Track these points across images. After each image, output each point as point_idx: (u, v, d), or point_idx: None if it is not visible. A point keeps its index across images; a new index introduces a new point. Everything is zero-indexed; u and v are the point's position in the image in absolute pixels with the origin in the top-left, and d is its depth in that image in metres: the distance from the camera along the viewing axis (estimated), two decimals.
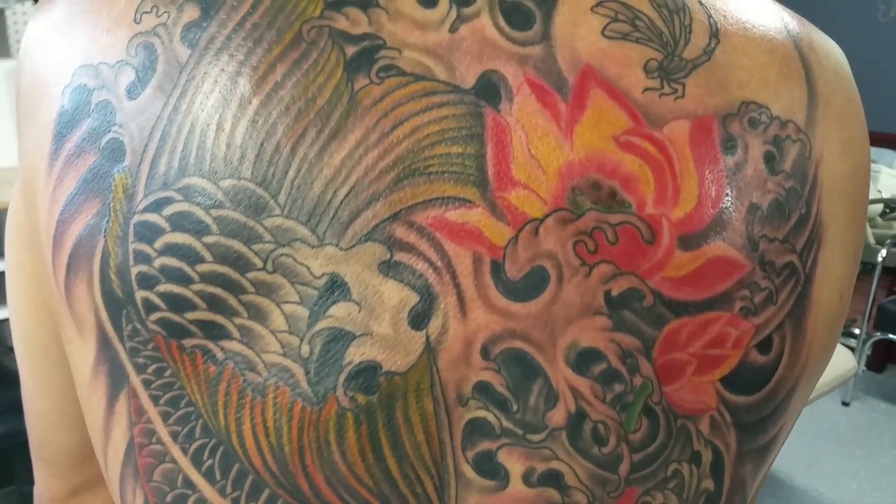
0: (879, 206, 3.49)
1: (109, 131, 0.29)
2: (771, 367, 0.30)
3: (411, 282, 0.27)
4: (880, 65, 3.00)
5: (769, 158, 0.29)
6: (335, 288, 0.27)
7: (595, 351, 0.28)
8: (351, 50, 0.27)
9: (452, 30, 0.28)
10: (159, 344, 0.29)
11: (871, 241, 3.17)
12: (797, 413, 0.34)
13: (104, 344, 0.30)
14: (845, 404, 2.87)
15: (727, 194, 0.28)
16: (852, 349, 2.85)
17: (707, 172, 0.28)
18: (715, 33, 0.29)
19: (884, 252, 2.88)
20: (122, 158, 0.28)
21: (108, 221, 0.28)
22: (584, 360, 0.28)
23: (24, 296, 0.36)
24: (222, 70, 0.27)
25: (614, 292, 0.28)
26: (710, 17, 0.30)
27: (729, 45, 0.29)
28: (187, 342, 0.28)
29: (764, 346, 0.30)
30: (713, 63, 0.29)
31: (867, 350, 2.96)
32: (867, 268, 2.96)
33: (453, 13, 0.28)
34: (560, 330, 0.28)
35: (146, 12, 0.29)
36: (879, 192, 3.54)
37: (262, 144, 0.27)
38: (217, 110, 0.27)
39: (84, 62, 0.30)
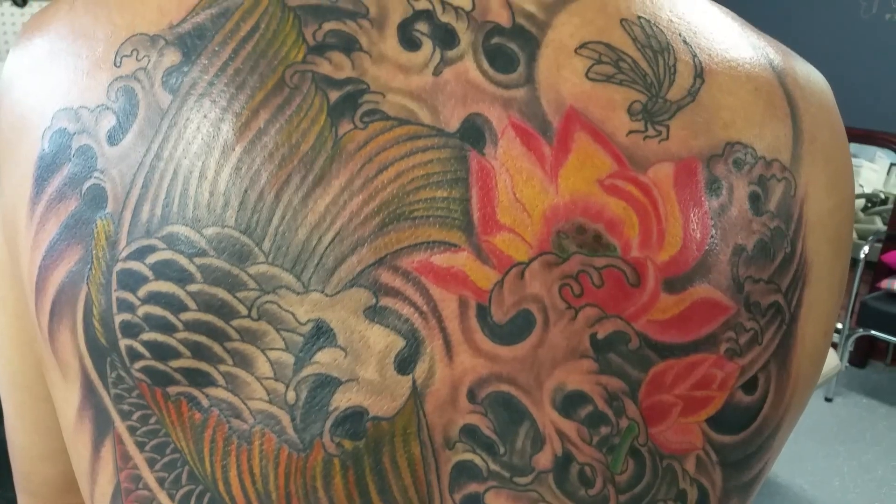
0: (861, 202, 3.52)
1: (91, 177, 0.28)
2: (756, 407, 0.30)
3: (397, 326, 0.27)
4: (862, 62, 3.02)
5: (754, 199, 0.29)
6: (321, 334, 0.27)
7: (581, 394, 0.28)
8: (334, 95, 0.27)
9: (436, 73, 0.28)
10: (144, 391, 0.28)
11: (854, 236, 3.20)
12: (782, 446, 0.34)
13: (89, 390, 0.29)
14: (828, 400, 2.90)
15: (712, 237, 0.28)
16: (835, 345, 2.88)
17: (692, 215, 0.28)
18: (699, 73, 0.29)
19: (866, 248, 2.91)
20: (103, 205, 0.28)
21: (90, 269, 0.28)
22: (570, 403, 0.28)
23: (6, 333, 0.36)
24: (205, 116, 0.27)
25: (600, 335, 0.28)
26: (694, 56, 0.30)
27: (714, 85, 0.30)
28: (172, 390, 0.28)
29: (749, 386, 0.30)
30: (698, 104, 0.29)
31: (850, 346, 2.99)
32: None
33: (437, 56, 0.28)
34: (546, 373, 0.28)
35: (126, 56, 0.29)
36: (861, 186, 3.58)
37: (245, 191, 0.27)
38: (200, 157, 0.27)
39: (64, 105, 0.29)
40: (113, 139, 0.28)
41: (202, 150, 0.27)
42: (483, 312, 0.27)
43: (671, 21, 0.30)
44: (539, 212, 0.27)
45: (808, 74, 0.33)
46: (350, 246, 0.27)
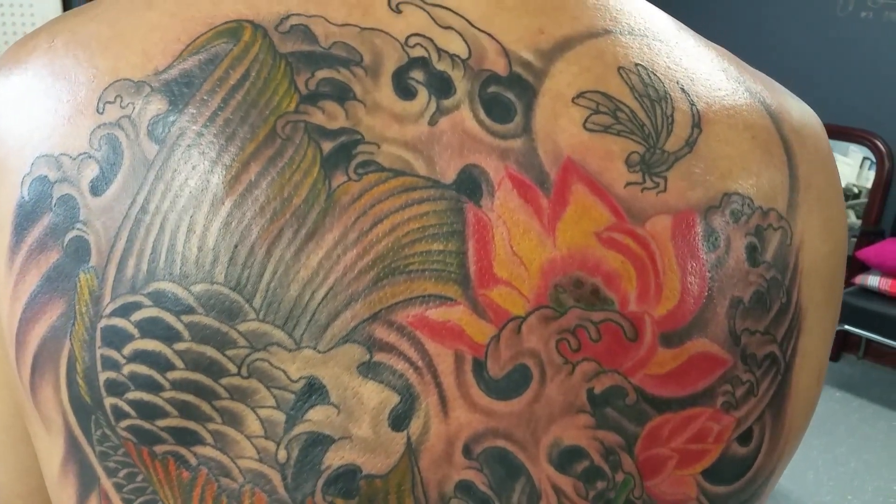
0: None
1: (73, 228, 0.27)
2: (751, 457, 0.30)
3: (392, 382, 0.27)
4: (838, 59, 3.05)
5: (751, 250, 0.29)
6: (313, 391, 0.26)
7: (578, 449, 0.28)
8: (328, 146, 0.26)
9: (432, 123, 0.27)
10: (130, 450, 0.27)
11: None
12: (773, 488, 0.34)
13: (73, 445, 0.29)
14: None
15: (709, 290, 0.28)
16: None
17: (689, 268, 0.28)
18: (697, 122, 0.29)
19: None
20: (86, 258, 0.27)
21: (73, 324, 0.27)
22: (566, 458, 0.28)
23: None
24: (193, 168, 0.26)
25: (597, 390, 0.27)
26: (692, 105, 0.29)
27: (711, 134, 0.29)
28: (159, 448, 0.27)
29: (744, 437, 0.30)
30: (695, 154, 0.29)
31: None
32: None
33: (433, 105, 0.27)
34: (543, 428, 0.27)
35: (109, 102, 0.27)
36: None
37: (235, 247, 0.26)
38: (188, 211, 0.26)
39: (44, 151, 0.28)
40: (96, 189, 0.27)
41: (190, 204, 0.26)
42: (479, 367, 0.27)
43: (669, 68, 0.30)
44: (536, 265, 0.27)
45: (803, 117, 0.33)
46: (344, 301, 0.26)
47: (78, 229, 0.27)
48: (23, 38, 0.33)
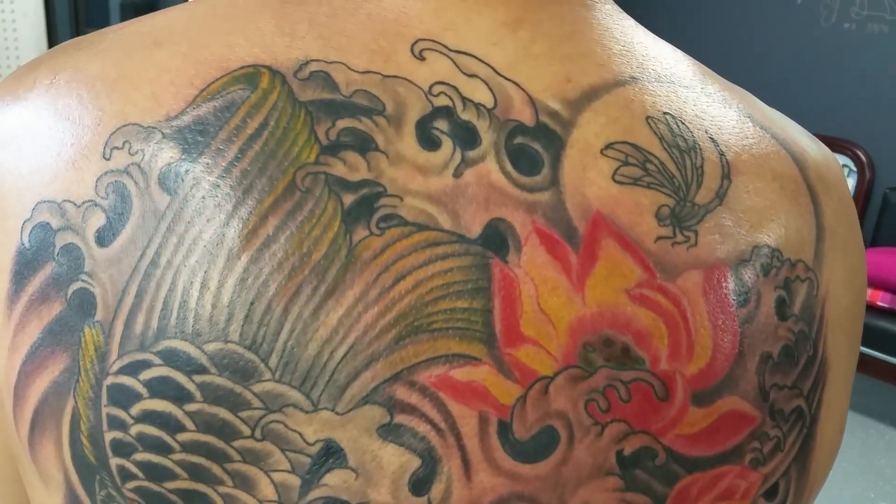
0: None
1: (77, 280, 0.26)
2: None
3: (413, 445, 0.25)
4: (821, 69, 3.08)
5: (780, 304, 0.28)
6: (330, 455, 0.25)
7: None
8: (349, 199, 0.25)
9: (457, 175, 0.26)
10: None
11: None
12: None
13: (74, 503, 0.27)
14: None
15: (740, 346, 0.27)
16: None
17: (720, 325, 0.27)
18: (727, 173, 0.28)
19: None
20: (92, 312, 0.26)
21: (77, 380, 0.26)
22: None
23: None
24: (208, 221, 0.25)
25: (627, 452, 0.26)
26: (721, 155, 0.28)
27: (741, 185, 0.28)
28: None
29: (770, 493, 0.29)
30: (725, 206, 0.28)
31: None
32: None
33: (457, 157, 0.26)
34: (570, 492, 0.26)
35: (117, 148, 0.26)
36: None
37: (251, 304, 0.25)
38: (202, 266, 0.25)
39: (46, 197, 0.27)
40: (103, 240, 0.26)
41: (205, 258, 0.25)
42: (504, 429, 0.26)
43: (697, 116, 0.29)
44: (565, 324, 0.26)
45: (827, 163, 0.32)
46: (364, 361, 0.25)
47: (83, 281, 0.26)
48: (20, 71, 0.31)
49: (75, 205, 0.26)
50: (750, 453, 0.28)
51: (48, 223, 0.27)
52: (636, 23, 0.31)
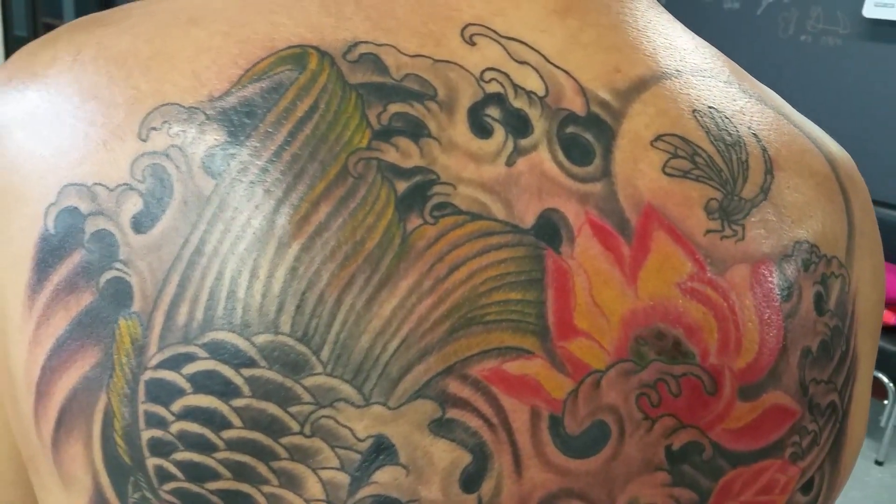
0: None
1: (111, 268, 0.24)
2: None
3: (464, 440, 0.25)
4: (782, 81, 3.17)
5: (818, 299, 0.29)
6: (381, 451, 0.24)
7: None
8: (402, 186, 0.25)
9: (509, 163, 0.25)
10: None
11: None
12: None
13: None
14: None
15: (784, 341, 0.27)
16: None
17: (766, 319, 0.27)
18: (769, 169, 0.28)
19: None
20: (128, 303, 0.24)
21: (111, 376, 0.24)
22: None
23: None
24: (256, 207, 0.24)
25: (675, 447, 0.26)
26: (764, 150, 0.29)
27: (782, 181, 0.29)
28: None
29: (806, 487, 0.29)
30: (769, 202, 0.28)
31: None
32: None
33: (510, 145, 0.26)
34: (620, 488, 0.26)
35: (155, 129, 0.25)
36: None
37: (303, 294, 0.24)
38: (251, 254, 0.24)
39: (74, 180, 0.25)
40: (140, 226, 0.24)
41: (254, 246, 0.24)
42: (556, 424, 0.25)
43: (739, 112, 0.29)
44: (618, 316, 0.25)
45: (851, 164, 0.33)
46: (417, 354, 0.24)
47: (117, 269, 0.24)
48: (32, 47, 0.30)
49: (108, 188, 0.25)
50: (790, 447, 0.28)
51: (76, 208, 0.25)
52: (672, 17, 0.31)
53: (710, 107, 0.28)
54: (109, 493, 0.25)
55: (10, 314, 0.26)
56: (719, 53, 0.32)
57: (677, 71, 0.28)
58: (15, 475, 0.32)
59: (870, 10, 2.47)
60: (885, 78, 2.83)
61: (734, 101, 0.29)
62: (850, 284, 0.30)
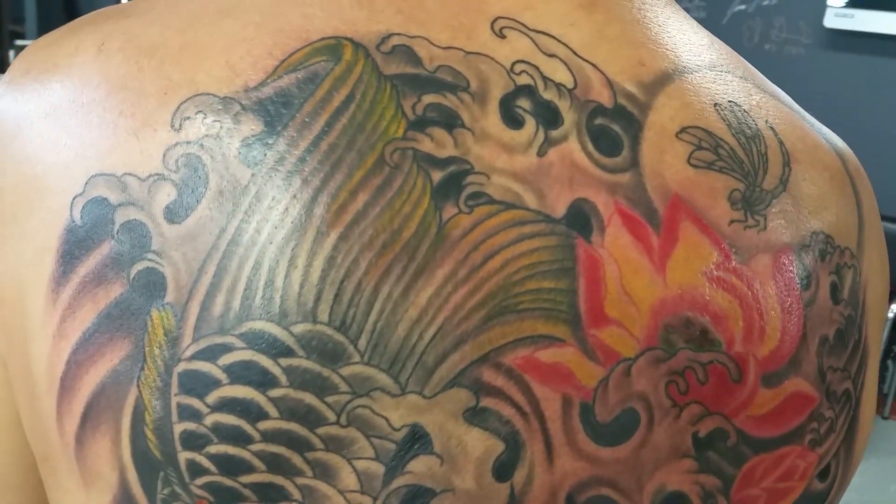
0: None
1: (142, 259, 0.24)
2: (826, 492, 0.31)
3: (497, 429, 0.25)
4: None
5: (833, 289, 0.29)
6: (416, 440, 0.24)
7: (680, 495, 0.27)
8: (437, 175, 0.25)
9: (540, 154, 0.26)
10: None
11: None
12: None
13: None
14: None
15: (804, 329, 0.28)
16: None
17: (788, 308, 0.28)
18: (787, 161, 0.29)
19: None
20: (161, 294, 0.24)
21: (142, 368, 0.24)
22: None
23: None
24: (294, 197, 0.24)
25: (702, 433, 0.27)
26: (781, 143, 0.29)
27: (799, 174, 0.29)
28: None
29: (823, 473, 0.30)
30: (788, 193, 0.29)
31: None
32: None
33: (541, 135, 0.26)
34: (648, 475, 0.26)
35: (188, 118, 0.25)
36: None
37: (341, 283, 0.24)
38: (289, 243, 0.23)
39: (102, 170, 0.25)
40: (174, 216, 0.24)
41: (292, 236, 0.23)
42: (587, 412, 0.26)
43: (756, 106, 0.30)
44: (647, 305, 0.26)
45: (856, 159, 0.34)
46: (452, 342, 0.24)
47: (150, 260, 0.24)
48: (52, 38, 0.29)
49: (139, 178, 0.25)
50: (809, 434, 0.29)
51: (105, 198, 0.25)
52: (686, 14, 0.32)
53: (729, 101, 0.29)
54: (136, 489, 0.25)
55: (31, 309, 0.26)
56: (731, 50, 0.33)
57: (697, 66, 0.29)
58: (20, 479, 0.31)
59: (830, 21, 2.54)
60: (845, 87, 2.91)
61: (751, 95, 0.30)
62: (860, 275, 0.31)
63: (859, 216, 0.32)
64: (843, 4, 2.52)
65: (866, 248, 0.32)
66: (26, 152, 0.27)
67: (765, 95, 0.31)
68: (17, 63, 0.29)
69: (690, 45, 0.30)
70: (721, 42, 0.32)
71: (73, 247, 0.25)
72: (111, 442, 0.24)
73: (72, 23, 0.30)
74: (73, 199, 0.25)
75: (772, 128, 0.29)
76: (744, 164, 0.28)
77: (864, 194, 0.32)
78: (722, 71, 0.30)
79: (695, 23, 0.32)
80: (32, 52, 0.29)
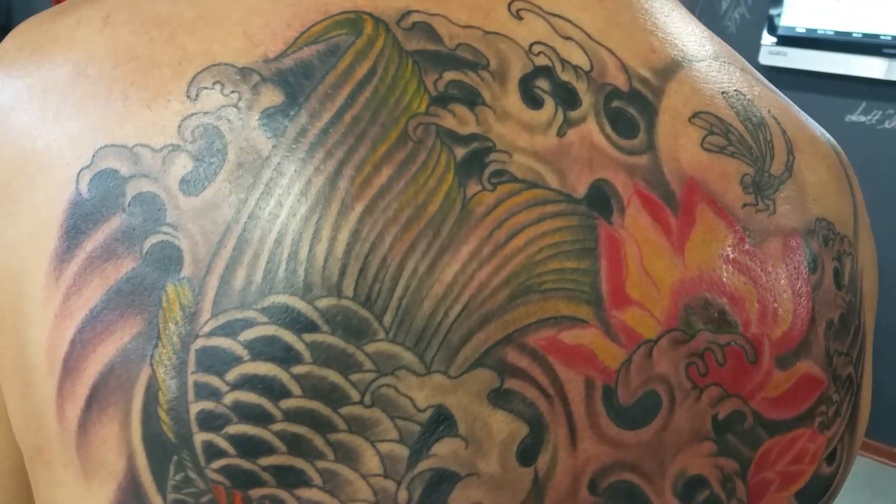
0: None
1: (157, 232, 0.23)
2: (832, 477, 0.31)
3: (521, 412, 0.24)
4: None
5: (836, 274, 0.30)
6: (441, 422, 0.24)
7: (701, 478, 0.27)
8: (460, 151, 0.24)
9: (560, 134, 0.26)
10: (219, 496, 0.23)
11: None
12: None
13: (132, 495, 0.24)
14: None
15: (812, 312, 0.29)
16: None
17: (798, 290, 0.28)
18: (790, 149, 0.30)
19: None
20: (177, 268, 0.23)
21: (156, 346, 0.23)
22: (689, 488, 0.27)
23: None
24: (317, 169, 0.23)
25: (721, 416, 0.27)
26: (784, 132, 0.30)
27: (801, 161, 0.30)
28: (255, 493, 0.23)
29: (831, 457, 0.30)
30: (793, 180, 0.29)
31: None
32: None
33: (560, 116, 0.26)
34: (670, 458, 0.26)
35: (206, 88, 0.24)
36: None
37: (366, 257, 0.23)
38: (313, 216, 0.23)
39: (111, 141, 0.24)
40: (190, 188, 0.23)
41: (315, 208, 0.23)
42: (609, 394, 0.25)
43: (759, 97, 0.30)
44: (667, 286, 0.26)
45: (842, 152, 0.35)
46: (477, 321, 0.24)
47: (164, 233, 0.23)
48: (43, 16, 0.28)
49: (152, 149, 0.23)
50: (819, 416, 0.29)
51: (115, 170, 0.24)
52: (686, 9, 0.33)
53: (735, 90, 0.29)
54: (145, 476, 0.23)
55: (28, 290, 0.24)
56: (727, 45, 0.33)
57: (703, 56, 0.30)
58: (7, 481, 0.29)
59: (765, 58, 2.65)
60: None
61: (752, 86, 0.31)
62: (857, 263, 0.32)
63: (854, 206, 0.32)
64: (775, 43, 2.64)
65: (861, 238, 0.32)
66: (23, 127, 0.25)
67: (764, 88, 0.31)
68: (7, 42, 0.28)
69: (694, 35, 0.30)
70: (716, 36, 0.33)
71: (79, 221, 0.24)
72: (119, 425, 0.23)
73: (66, 2, 0.29)
74: (80, 171, 0.24)
75: (774, 117, 0.30)
76: (752, 149, 0.28)
77: (856, 188, 0.33)
78: (725, 62, 0.31)
79: (694, 18, 0.33)
80: (25, 30, 0.28)
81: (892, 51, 2.41)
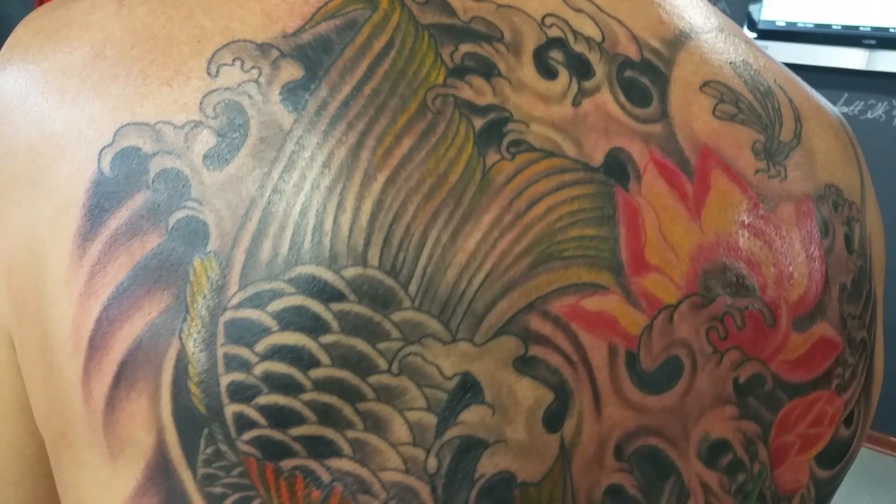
0: None
1: (182, 207, 0.23)
2: (850, 439, 0.31)
3: (546, 378, 0.25)
4: None
5: (847, 239, 0.30)
6: (467, 389, 0.24)
7: (724, 442, 0.27)
8: (479, 122, 0.25)
9: (575, 104, 0.26)
10: (250, 468, 0.23)
11: None
12: None
13: (160, 472, 0.24)
14: None
15: (826, 275, 0.29)
16: None
17: (811, 254, 0.29)
18: (798, 117, 0.30)
19: None
20: (203, 242, 0.23)
21: (184, 320, 0.23)
22: (714, 452, 0.27)
23: None
24: (339, 141, 0.23)
25: (742, 379, 0.27)
26: (791, 101, 0.30)
27: (809, 129, 0.30)
28: (286, 463, 0.23)
29: (848, 420, 0.31)
30: (802, 147, 0.30)
31: None
32: None
33: (574, 86, 0.26)
34: (693, 422, 0.26)
35: (226, 65, 0.24)
36: None
37: (390, 226, 0.23)
38: (336, 187, 0.23)
39: (133, 119, 0.24)
40: (214, 163, 0.23)
41: (339, 179, 0.23)
42: (632, 360, 0.25)
43: (764, 67, 0.31)
44: (686, 251, 0.26)
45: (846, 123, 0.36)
46: (500, 289, 0.24)
47: (189, 208, 0.23)
48: (54, 3, 0.28)
49: (174, 126, 0.24)
50: (836, 378, 0.29)
51: (138, 148, 0.24)
52: None
53: (742, 60, 0.30)
54: (175, 451, 0.23)
55: (51, 271, 0.24)
56: (729, 19, 0.34)
57: (709, 28, 0.30)
58: (18, 473, 0.29)
59: None
60: None
61: (758, 57, 0.31)
62: (865, 229, 0.32)
63: (860, 174, 0.33)
64: (755, 37, 2.67)
65: (868, 204, 0.33)
66: (42, 111, 0.25)
67: (769, 60, 0.32)
68: (21, 29, 0.28)
69: (699, 9, 0.31)
70: (720, 11, 0.34)
71: (102, 199, 0.24)
72: (148, 400, 0.23)
73: None
74: (102, 150, 0.24)
75: (780, 87, 0.31)
76: (762, 117, 0.29)
77: (862, 156, 0.34)
78: (730, 34, 0.31)
79: None
80: (37, 17, 0.28)
81: (872, 41, 2.44)
